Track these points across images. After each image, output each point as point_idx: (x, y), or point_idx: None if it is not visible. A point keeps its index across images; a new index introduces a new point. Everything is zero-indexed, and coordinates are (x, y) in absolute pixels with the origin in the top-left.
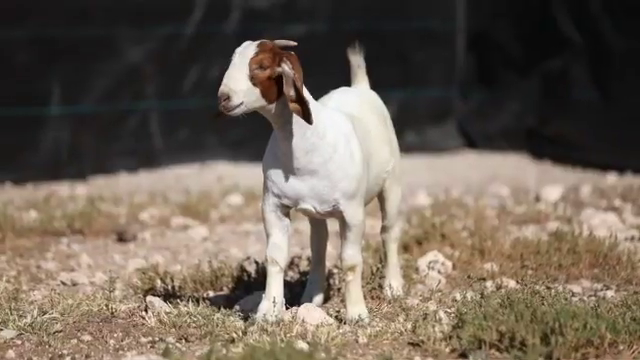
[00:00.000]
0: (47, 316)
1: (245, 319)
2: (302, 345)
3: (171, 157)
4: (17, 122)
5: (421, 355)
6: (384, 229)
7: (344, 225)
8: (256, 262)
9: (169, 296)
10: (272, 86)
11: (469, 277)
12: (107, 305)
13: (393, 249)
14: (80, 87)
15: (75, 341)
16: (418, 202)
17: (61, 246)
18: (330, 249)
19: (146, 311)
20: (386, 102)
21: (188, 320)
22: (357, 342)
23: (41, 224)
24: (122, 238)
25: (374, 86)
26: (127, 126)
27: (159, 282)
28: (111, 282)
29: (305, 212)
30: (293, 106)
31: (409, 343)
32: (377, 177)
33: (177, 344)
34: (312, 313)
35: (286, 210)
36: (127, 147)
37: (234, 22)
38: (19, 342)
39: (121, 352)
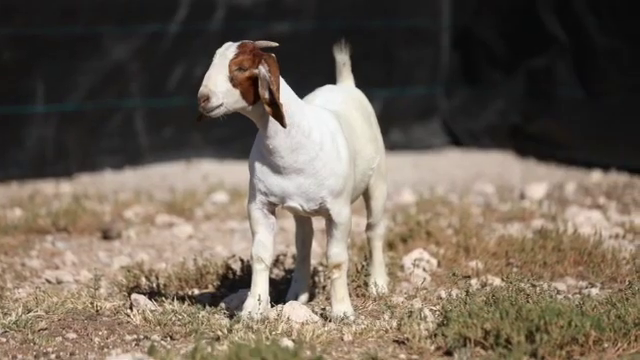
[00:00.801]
0: (32, 314)
1: (230, 317)
2: (287, 343)
3: (156, 155)
4: (2, 120)
5: (406, 353)
6: (369, 227)
7: (330, 223)
8: (241, 260)
9: (154, 294)
10: (252, 87)
11: (454, 275)
12: (92, 303)
13: (378, 247)
14: (65, 85)
15: (60, 339)
16: (403, 200)
17: (46, 244)
18: (315, 247)
19: (131, 309)
20: (371, 100)
21: (173, 318)
22: (342, 340)
23: (26, 222)
24: (107, 236)
25: (360, 84)
26: (112, 124)
27: (144, 280)
28: (96, 280)
29: (291, 210)
30: (267, 108)
31: (394, 341)
32: (363, 174)
33: (162, 342)
34: (297, 311)
35: (272, 208)
36: (112, 145)
37: (219, 20)
38: (4, 340)
39: (106, 350)
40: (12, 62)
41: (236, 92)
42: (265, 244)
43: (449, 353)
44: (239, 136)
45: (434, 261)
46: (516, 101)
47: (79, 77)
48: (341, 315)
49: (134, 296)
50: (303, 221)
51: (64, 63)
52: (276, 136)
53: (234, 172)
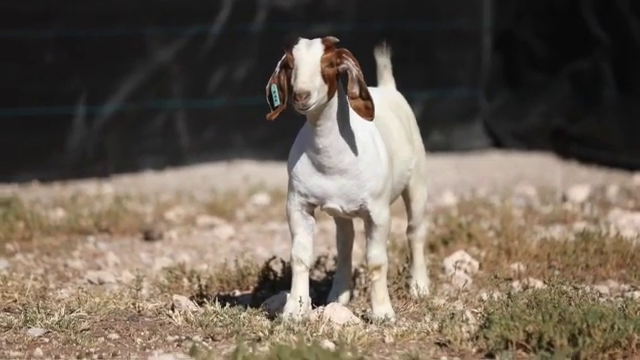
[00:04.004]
0: (74, 314)
1: (271, 318)
2: (328, 344)
3: (197, 156)
4: (44, 121)
5: (448, 355)
6: (410, 229)
7: (370, 225)
8: (282, 261)
9: (195, 295)
10: (334, 83)
11: (496, 277)
12: (134, 304)
13: (419, 249)
14: (107, 87)
15: (102, 339)
16: (444, 202)
17: (88, 245)
18: (356, 248)
19: (173, 310)
20: (412, 102)
21: (215, 319)
22: (384, 342)
23: (68, 223)
24: (149, 237)
25: (401, 86)
26: (154, 125)
27: (186, 281)
28: (138, 281)
29: (331, 211)
30: (356, 102)
31: (436, 343)
32: (401, 176)
33: (204, 343)
34: (338, 312)
35: (311, 209)
36: (154, 146)
37: (260, 22)
38: (47, 340)
39: (148, 350)
40: (54, 64)
41: (326, 87)
42: (305, 245)
43: (491, 356)
44: (280, 137)
45: (475, 263)
46: (558, 103)
47: (121, 78)
48: (382, 317)
49: (176, 297)
50: (343, 223)
51: (106, 65)
52: (329, 135)
53: (275, 173)
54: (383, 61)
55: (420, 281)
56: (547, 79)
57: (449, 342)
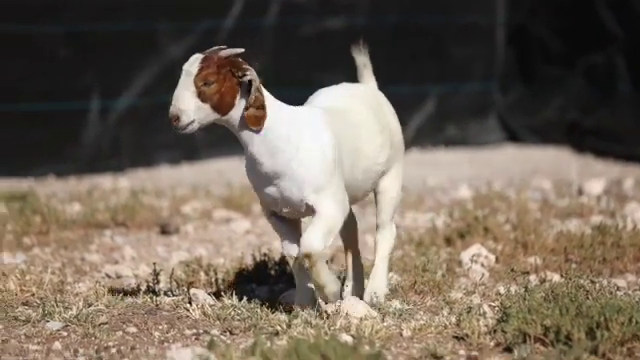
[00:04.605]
0: (92, 308)
1: (289, 312)
2: (346, 338)
3: (212, 150)
4: (58, 116)
5: (465, 349)
6: (377, 227)
7: (314, 215)
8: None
9: (213, 289)
10: (223, 98)
11: (512, 270)
12: (151, 297)
13: (383, 251)
14: (121, 81)
15: (120, 333)
16: (460, 195)
17: (105, 238)
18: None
19: (190, 303)
20: (426, 97)
21: (232, 313)
22: (401, 335)
23: (84, 217)
24: (165, 231)
25: (415, 81)
26: (168, 119)
27: (203, 275)
28: (155, 274)
29: (289, 215)
30: (247, 112)
31: (453, 337)
32: (366, 171)
33: (222, 337)
34: (356, 306)
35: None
36: (168, 140)
37: (273, 16)
38: (65, 334)
39: (166, 344)
40: (68, 59)
41: (206, 107)
42: (292, 242)
43: (509, 349)
44: None
45: (492, 257)
46: (573, 97)
47: (134, 73)
48: (331, 302)
49: (193, 291)
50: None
51: (119, 60)
52: (252, 142)
53: None
54: (362, 60)
55: (378, 285)
56: (562, 73)
57: (467, 336)
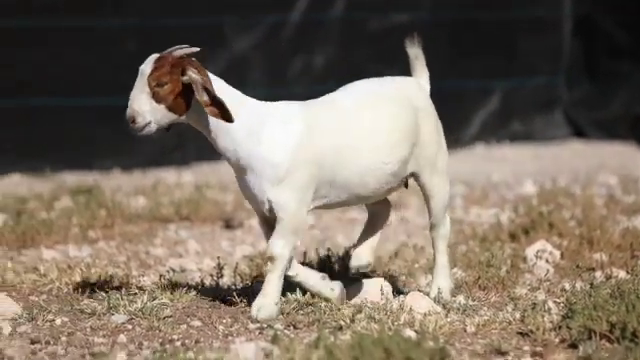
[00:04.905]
0: (157, 301)
1: (353, 307)
2: (410, 333)
3: None
4: (125, 111)
5: (530, 345)
6: (431, 227)
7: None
8: None
9: None
10: (178, 99)
11: (578, 267)
12: (216, 291)
13: (441, 248)
14: None
15: (185, 326)
16: (525, 191)
17: (169, 232)
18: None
19: (254, 298)
20: (491, 92)
21: (296, 307)
22: (465, 331)
23: (150, 211)
24: (229, 225)
25: (480, 75)
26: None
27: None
28: (219, 268)
29: (269, 213)
30: (210, 110)
31: (518, 333)
32: (369, 169)
33: (285, 331)
34: (419, 301)
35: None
36: None
37: (339, 10)
38: (130, 327)
39: (230, 338)
40: (135, 53)
41: (161, 107)
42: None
43: (574, 346)
44: None
45: (557, 253)
46: (639, 91)
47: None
48: (255, 310)
49: (257, 285)
50: (373, 212)
51: None
52: (217, 138)
53: None
54: (414, 52)
55: (442, 282)
56: (628, 67)
57: (531, 332)
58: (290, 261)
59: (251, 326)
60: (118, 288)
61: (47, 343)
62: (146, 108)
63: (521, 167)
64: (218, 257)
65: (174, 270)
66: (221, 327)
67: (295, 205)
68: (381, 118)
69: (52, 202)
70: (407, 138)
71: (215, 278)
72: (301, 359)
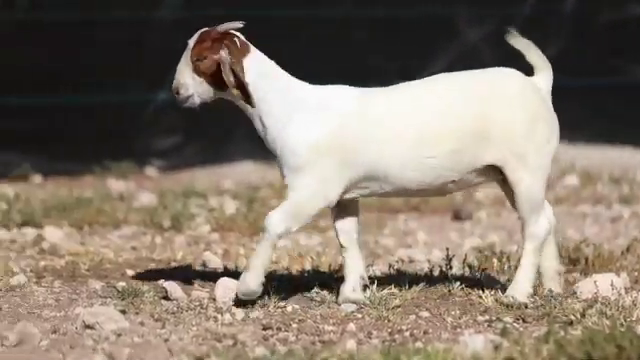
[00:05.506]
0: (386, 291)
1: (584, 302)
2: None
3: None
4: None
5: None
6: (521, 224)
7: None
8: (593, 244)
9: (505, 276)
10: (217, 74)
11: None
12: (444, 283)
13: (527, 249)
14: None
15: (413, 317)
16: None
17: (398, 223)
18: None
19: (483, 290)
20: None
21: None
22: None
23: (379, 200)
24: (458, 217)
25: None
26: None
27: (495, 261)
28: (448, 260)
29: None
30: (235, 92)
31: None
32: (409, 161)
33: (514, 324)
34: None
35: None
36: None
37: (571, 2)
38: (359, 316)
39: (458, 330)
40: (370, 43)
41: (203, 81)
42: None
43: None
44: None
45: None
46: None
47: (433, 57)
48: (243, 287)
49: (485, 276)
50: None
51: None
52: (254, 119)
53: (585, 155)
54: (521, 44)
55: (518, 286)
56: None
57: None
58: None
59: (480, 318)
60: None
61: (278, 329)
62: (189, 81)
63: None
64: (447, 248)
65: (403, 260)
66: (449, 319)
67: (308, 193)
68: (428, 109)
69: (283, 190)
70: (463, 130)
71: (444, 269)
72: (531, 352)
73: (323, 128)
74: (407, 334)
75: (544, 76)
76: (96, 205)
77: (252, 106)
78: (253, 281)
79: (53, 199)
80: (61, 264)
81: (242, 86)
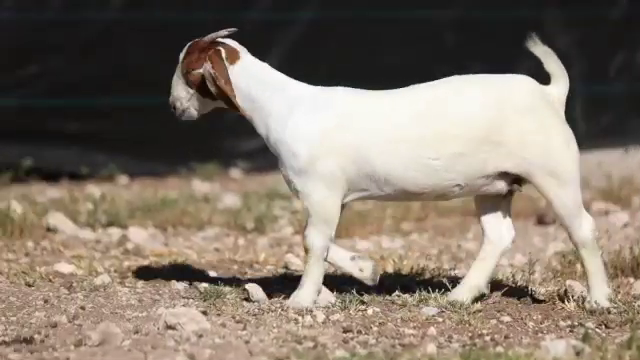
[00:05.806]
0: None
1: None
2: None
3: (593, 141)
4: None
5: None
6: (568, 236)
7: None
8: None
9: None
10: (207, 86)
11: None
12: (526, 287)
13: (584, 255)
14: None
15: (494, 321)
16: None
17: (478, 227)
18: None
19: (565, 295)
20: None
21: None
22: None
23: (463, 204)
24: (542, 221)
25: None
26: None
27: (578, 267)
28: (531, 264)
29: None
30: (224, 102)
31: None
32: (412, 162)
33: (596, 330)
34: None
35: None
36: None
37: None
38: (440, 319)
39: (540, 335)
40: (456, 45)
41: (195, 93)
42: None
43: None
44: None
45: None
46: None
47: (518, 61)
48: (290, 300)
49: (569, 282)
50: (484, 203)
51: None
52: (254, 123)
53: None
54: (540, 50)
55: (595, 291)
56: None
57: None
58: (326, 250)
59: (562, 323)
60: (429, 280)
61: (359, 332)
62: (183, 94)
63: None
64: (529, 253)
65: None
66: (531, 323)
67: (319, 195)
68: (432, 112)
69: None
70: (467, 134)
71: (526, 274)
72: (613, 358)
73: (320, 128)
74: (488, 338)
75: (559, 85)
76: (180, 206)
77: (244, 114)
78: (305, 300)
79: (138, 200)
80: (145, 264)
81: (227, 97)
